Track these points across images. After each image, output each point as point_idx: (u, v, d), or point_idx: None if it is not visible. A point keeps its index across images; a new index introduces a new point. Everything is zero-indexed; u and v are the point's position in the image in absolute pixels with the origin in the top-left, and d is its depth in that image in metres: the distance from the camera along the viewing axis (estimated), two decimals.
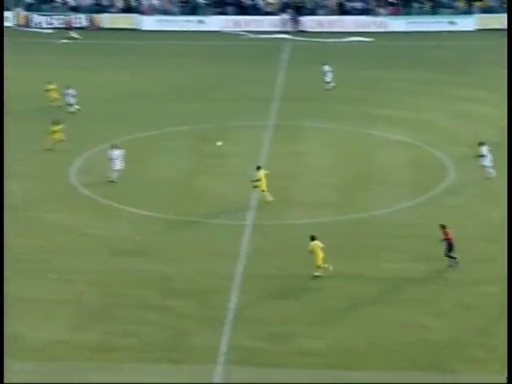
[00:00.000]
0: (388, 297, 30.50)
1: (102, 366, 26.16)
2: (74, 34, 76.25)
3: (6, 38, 65.39)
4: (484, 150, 41.28)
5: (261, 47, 72.80)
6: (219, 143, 42.34)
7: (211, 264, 32.98)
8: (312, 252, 31.75)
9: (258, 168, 38.82)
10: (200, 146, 46.72)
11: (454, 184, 40.86)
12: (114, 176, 41.33)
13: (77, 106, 52.87)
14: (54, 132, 45.92)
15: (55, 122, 46.24)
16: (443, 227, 32.57)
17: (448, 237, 32.26)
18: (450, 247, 32.25)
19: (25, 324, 28.51)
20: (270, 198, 38.36)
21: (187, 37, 76.24)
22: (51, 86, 53.95)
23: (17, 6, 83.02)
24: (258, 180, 38.11)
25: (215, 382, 25.46)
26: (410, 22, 79.70)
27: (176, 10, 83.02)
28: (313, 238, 32.01)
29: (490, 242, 34.79)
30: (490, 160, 41.02)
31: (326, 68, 58.58)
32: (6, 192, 39.10)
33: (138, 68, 65.16)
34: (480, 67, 62.17)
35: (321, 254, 31.62)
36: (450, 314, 29.02)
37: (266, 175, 38.60)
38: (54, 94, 53.81)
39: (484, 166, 41.20)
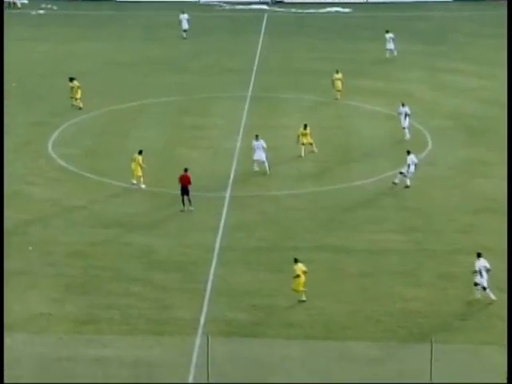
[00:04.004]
0: (370, 268, 30.66)
1: (83, 339, 26.21)
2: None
3: None
4: (403, 110, 42.81)
5: (238, 18, 72.37)
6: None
7: (193, 237, 33.03)
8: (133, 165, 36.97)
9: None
10: (178, 118, 46.57)
11: (433, 155, 41.04)
12: None
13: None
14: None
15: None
16: (185, 170, 35.82)
17: (181, 182, 35.37)
18: (182, 191, 35.19)
19: (7, 297, 28.29)
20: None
21: (163, 8, 75.55)
22: None
23: None
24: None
25: (196, 353, 25.57)
26: None
27: None
28: (140, 152, 37.32)
29: (469, 212, 35.08)
30: (408, 123, 42.83)
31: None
32: None
33: (114, 40, 64.43)
34: (458, 38, 62.16)
35: (139, 171, 36.91)
36: (430, 285, 29.29)
37: None
38: None
39: (404, 127, 42.74)
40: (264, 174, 38.67)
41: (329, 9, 75.57)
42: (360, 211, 35.22)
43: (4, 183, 36.93)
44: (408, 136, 42.53)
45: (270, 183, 38.13)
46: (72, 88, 47.66)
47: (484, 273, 28.04)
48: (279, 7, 76.83)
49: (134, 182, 37.47)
